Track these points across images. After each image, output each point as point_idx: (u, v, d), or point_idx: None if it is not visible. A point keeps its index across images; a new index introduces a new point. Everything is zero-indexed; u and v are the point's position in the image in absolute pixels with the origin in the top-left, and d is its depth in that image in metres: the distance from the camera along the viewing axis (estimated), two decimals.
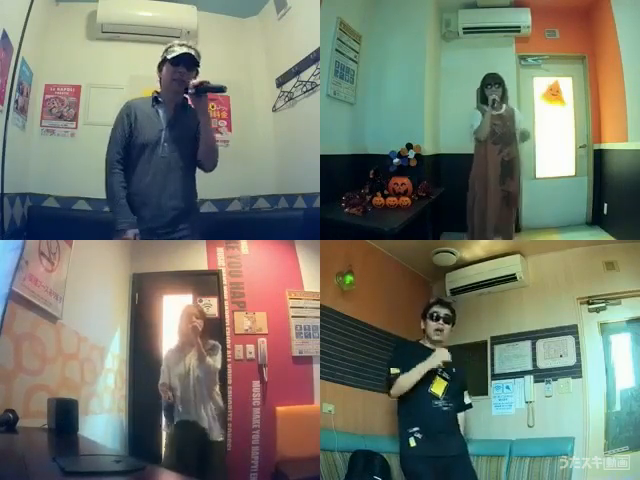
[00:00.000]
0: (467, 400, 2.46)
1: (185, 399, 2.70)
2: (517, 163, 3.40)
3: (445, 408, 2.30)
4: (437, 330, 2.34)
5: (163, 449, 2.89)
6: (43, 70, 3.68)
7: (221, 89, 2.28)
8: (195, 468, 2.59)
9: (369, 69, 4.00)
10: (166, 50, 2.33)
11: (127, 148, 2.36)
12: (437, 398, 2.30)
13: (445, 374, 2.34)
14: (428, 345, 2.37)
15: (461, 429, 2.41)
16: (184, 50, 2.29)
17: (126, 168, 2.36)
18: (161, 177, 2.34)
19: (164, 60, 2.33)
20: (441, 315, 2.35)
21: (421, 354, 2.31)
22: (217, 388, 2.82)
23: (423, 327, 2.42)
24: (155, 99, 2.40)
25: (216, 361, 2.79)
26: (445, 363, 2.27)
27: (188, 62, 2.31)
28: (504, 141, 3.32)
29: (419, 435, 2.25)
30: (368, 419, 2.99)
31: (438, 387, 2.31)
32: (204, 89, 2.26)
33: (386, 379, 2.34)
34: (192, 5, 4.00)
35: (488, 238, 3.32)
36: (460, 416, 2.42)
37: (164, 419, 2.79)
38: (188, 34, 4.02)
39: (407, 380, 2.26)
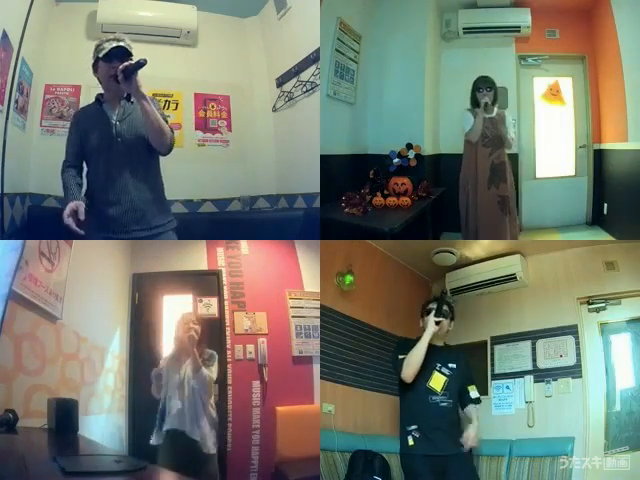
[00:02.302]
0: (474, 394, 2.44)
1: (178, 409, 2.63)
2: (508, 166, 3.40)
3: (443, 404, 2.31)
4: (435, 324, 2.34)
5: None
6: (43, 70, 3.68)
7: (140, 64, 2.15)
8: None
9: (369, 69, 4.00)
10: (96, 49, 2.29)
11: (82, 156, 2.35)
12: (435, 393, 2.31)
13: (444, 369, 2.35)
14: None
15: (475, 424, 2.37)
16: (113, 44, 2.25)
17: (89, 175, 2.36)
18: (123, 173, 2.30)
19: (97, 60, 2.29)
20: (432, 309, 2.37)
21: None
22: (212, 400, 2.75)
23: (422, 325, 2.43)
24: (98, 100, 2.39)
25: (212, 372, 2.70)
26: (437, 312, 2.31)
27: (121, 55, 2.23)
28: (495, 144, 3.32)
29: (417, 434, 2.26)
30: (368, 419, 2.99)
31: (436, 382, 2.33)
32: (130, 70, 2.16)
33: (394, 367, 2.36)
34: (192, 5, 4.00)
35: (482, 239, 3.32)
36: (470, 411, 2.41)
37: (156, 425, 2.71)
38: (188, 34, 4.02)
39: (414, 355, 2.27)
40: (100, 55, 2.26)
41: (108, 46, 2.25)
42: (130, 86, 2.19)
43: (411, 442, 2.26)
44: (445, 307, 2.40)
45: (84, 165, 2.40)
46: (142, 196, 2.34)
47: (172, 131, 2.35)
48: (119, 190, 2.30)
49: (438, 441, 2.25)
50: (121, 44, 2.25)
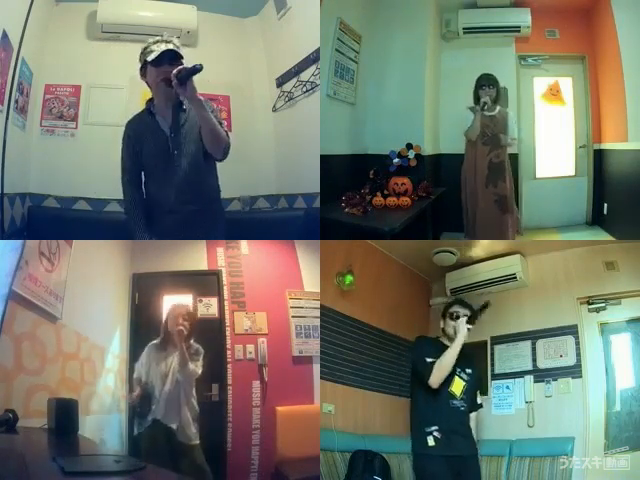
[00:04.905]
0: (479, 400, 2.49)
1: (161, 399, 2.67)
2: (507, 166, 3.40)
3: (462, 408, 2.34)
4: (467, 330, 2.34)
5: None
6: (43, 70, 3.68)
7: (195, 69, 2.08)
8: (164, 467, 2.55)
9: (369, 69, 3.99)
10: (143, 52, 2.22)
11: (140, 168, 2.33)
12: (455, 398, 2.32)
13: (463, 374, 2.36)
14: (447, 343, 2.38)
15: (473, 429, 2.42)
16: (163, 48, 2.17)
17: (147, 185, 2.35)
18: (180, 183, 2.29)
19: (145, 63, 2.22)
20: (461, 315, 2.37)
21: (443, 351, 2.33)
22: (194, 392, 2.78)
23: (442, 326, 2.44)
24: (149, 110, 2.31)
25: (197, 367, 2.74)
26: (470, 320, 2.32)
27: (170, 58, 2.17)
28: (494, 143, 3.33)
29: (438, 434, 2.25)
30: (368, 419, 2.98)
31: (457, 387, 2.34)
32: (184, 75, 2.09)
33: (421, 370, 2.33)
34: (192, 5, 4.00)
35: (481, 238, 3.32)
36: (472, 416, 2.44)
37: (136, 417, 2.75)
38: (188, 34, 4.02)
39: (446, 362, 2.25)
40: (149, 59, 2.18)
41: (156, 49, 2.17)
42: (185, 92, 2.12)
43: (432, 442, 2.25)
44: (468, 312, 2.40)
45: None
46: (199, 204, 2.33)
47: (227, 135, 2.30)
48: (177, 200, 2.30)
49: (458, 442, 2.27)
50: (170, 47, 2.18)
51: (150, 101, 2.34)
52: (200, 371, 2.76)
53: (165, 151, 2.28)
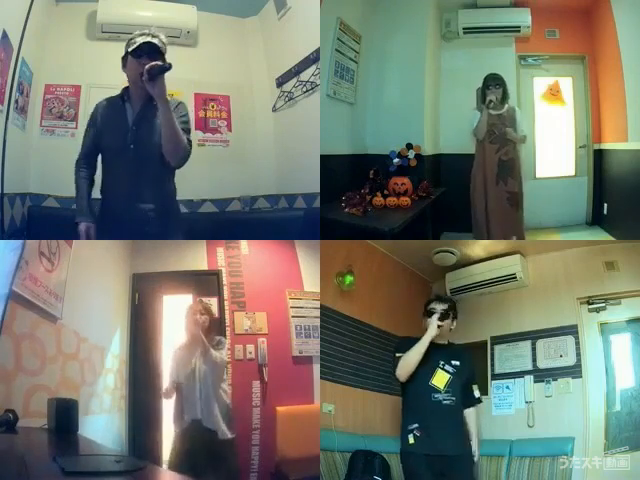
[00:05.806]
0: (476, 394, 2.45)
1: (191, 398, 2.69)
2: (517, 163, 3.41)
3: (446, 402, 2.29)
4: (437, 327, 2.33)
5: (168, 449, 2.85)
6: (43, 70, 3.68)
7: (164, 67, 2.07)
8: (204, 468, 2.58)
9: (369, 69, 4.00)
10: (127, 43, 2.19)
11: (97, 153, 2.30)
12: (438, 391, 2.29)
13: (447, 367, 2.34)
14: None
15: (472, 425, 2.41)
16: (144, 40, 2.13)
17: (103, 173, 2.31)
18: (131, 180, 2.24)
19: (127, 54, 2.18)
20: (437, 311, 2.36)
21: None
22: (224, 385, 2.81)
23: (424, 325, 2.41)
24: (122, 97, 2.27)
25: (223, 354, 2.77)
26: (442, 316, 2.31)
27: (151, 52, 2.12)
28: (502, 141, 3.34)
29: (418, 432, 2.24)
30: (368, 419, 2.99)
31: (439, 380, 2.31)
32: (154, 72, 2.05)
33: (392, 364, 2.35)
34: (192, 5, 4.00)
35: (494, 238, 3.32)
36: (470, 412, 2.43)
37: (172, 419, 2.77)
38: (188, 34, 4.02)
39: (411, 356, 2.26)
40: (129, 49, 2.15)
41: (139, 40, 2.14)
42: (153, 88, 2.09)
43: (411, 440, 2.24)
44: (445, 307, 2.39)
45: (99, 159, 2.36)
46: (148, 206, 2.28)
47: (190, 144, 2.25)
48: (125, 197, 2.26)
49: (440, 441, 2.23)
50: (152, 40, 2.14)
51: (126, 89, 2.30)
52: (226, 359, 2.80)
53: (123, 143, 2.23)
